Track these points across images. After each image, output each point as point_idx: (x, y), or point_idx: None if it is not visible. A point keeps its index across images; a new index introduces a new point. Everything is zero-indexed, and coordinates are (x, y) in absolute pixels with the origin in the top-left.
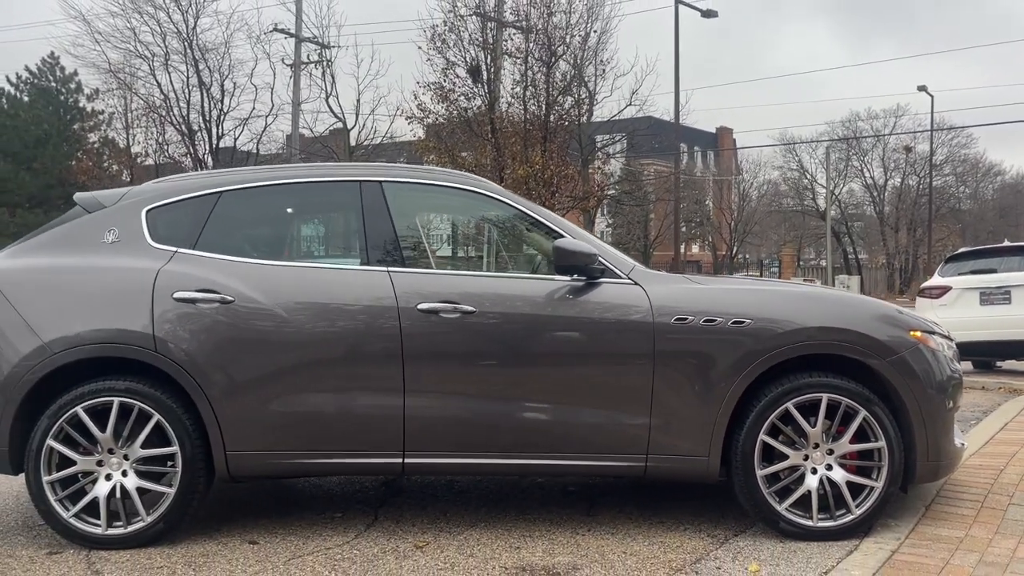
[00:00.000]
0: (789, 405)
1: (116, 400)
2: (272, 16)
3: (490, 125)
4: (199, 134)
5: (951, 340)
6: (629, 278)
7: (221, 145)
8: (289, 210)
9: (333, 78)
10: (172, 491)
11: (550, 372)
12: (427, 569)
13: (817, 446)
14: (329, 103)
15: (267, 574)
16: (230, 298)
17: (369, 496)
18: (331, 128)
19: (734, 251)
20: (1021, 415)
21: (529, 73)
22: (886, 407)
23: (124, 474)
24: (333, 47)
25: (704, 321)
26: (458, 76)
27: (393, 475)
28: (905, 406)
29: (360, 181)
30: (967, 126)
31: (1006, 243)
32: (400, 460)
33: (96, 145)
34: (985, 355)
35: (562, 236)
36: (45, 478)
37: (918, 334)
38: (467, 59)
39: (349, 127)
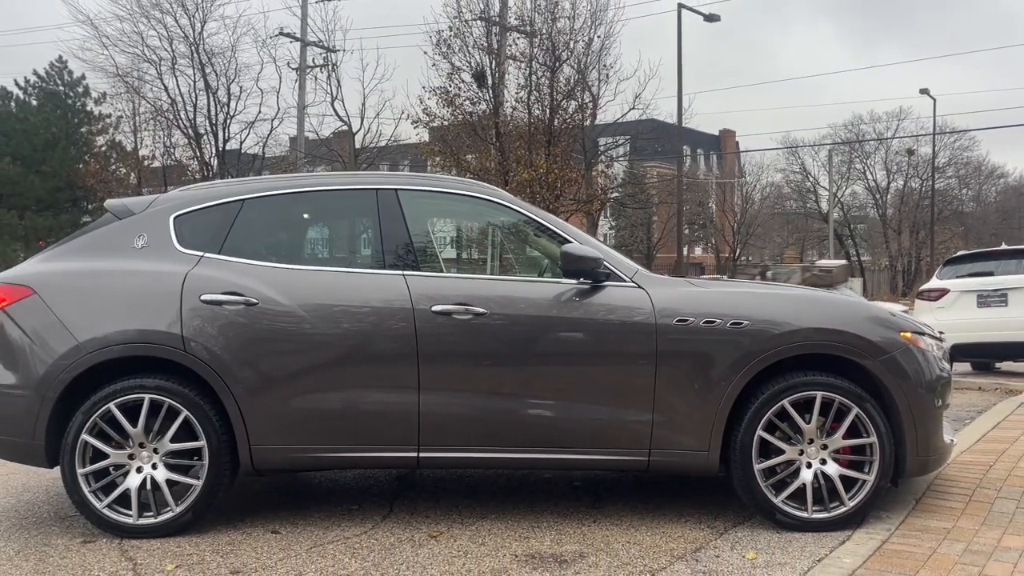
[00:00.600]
0: (785, 402)
1: (147, 397)
2: (278, 20)
3: (495, 129)
4: (205, 137)
5: (941, 341)
6: (632, 281)
7: (227, 148)
8: (309, 217)
9: (339, 82)
10: (199, 483)
11: (557, 371)
12: (442, 556)
13: (812, 441)
14: (335, 107)
15: (291, 561)
16: (254, 300)
17: (383, 490)
18: (334, 131)
19: (737, 253)
20: (1014, 415)
21: (533, 78)
22: (878, 404)
23: (154, 467)
24: (339, 51)
25: (704, 322)
26: (463, 81)
27: (409, 468)
28: (896, 404)
29: (376, 189)
30: (970, 129)
31: (1003, 246)
32: (415, 454)
33: (103, 148)
34: (982, 356)
35: (569, 241)
36: (79, 471)
37: (908, 335)
38: (472, 64)
39: (354, 131)
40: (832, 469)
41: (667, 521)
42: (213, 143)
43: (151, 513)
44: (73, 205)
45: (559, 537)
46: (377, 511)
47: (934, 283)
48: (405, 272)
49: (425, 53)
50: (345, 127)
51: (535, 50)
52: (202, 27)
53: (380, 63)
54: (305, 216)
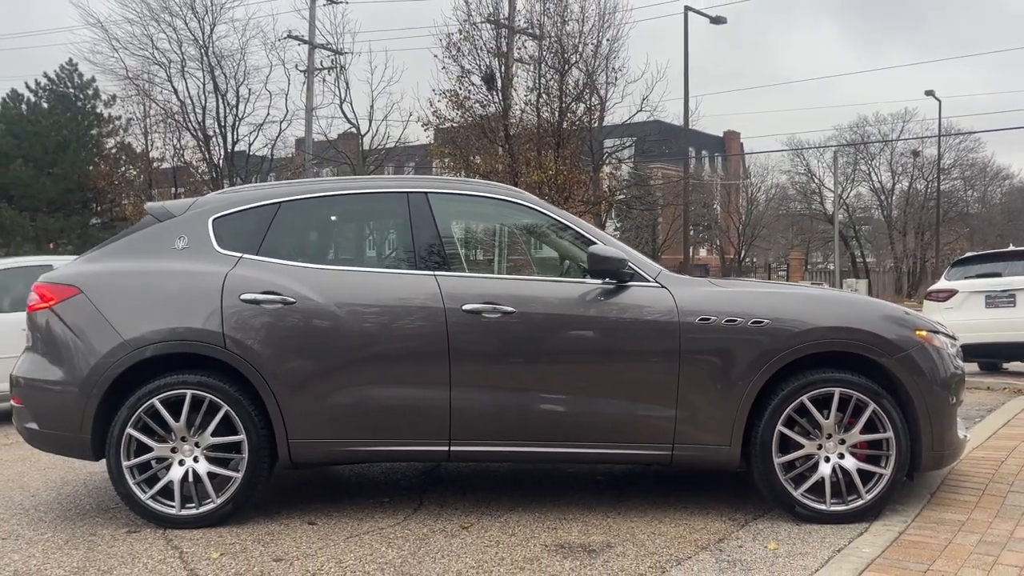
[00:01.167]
0: (804, 398)
1: (189, 393)
2: (287, 23)
3: (504, 131)
4: (214, 139)
5: (955, 339)
6: (656, 281)
7: (235, 150)
8: (343, 219)
9: (347, 84)
10: (239, 476)
11: (583, 368)
12: (475, 546)
13: (830, 436)
14: (343, 109)
15: (330, 550)
16: (291, 299)
17: (412, 484)
18: (340, 133)
19: (742, 255)
20: (1023, 413)
21: (542, 80)
22: (894, 400)
23: (196, 460)
24: (347, 53)
25: (726, 321)
26: (473, 84)
27: (440, 461)
28: (911, 400)
29: (408, 193)
30: (975, 131)
31: (1011, 247)
32: (446, 447)
33: (113, 151)
34: (991, 357)
35: (594, 243)
36: (125, 463)
37: (923, 333)
38: (481, 67)
39: (362, 133)
40: (850, 463)
41: (689, 514)
42: (222, 145)
43: (193, 504)
44: (83, 207)
45: (586, 528)
46: (408, 504)
47: (942, 284)
48: (436, 272)
49: (435, 56)
50: (352, 129)
51: (544, 53)
52: (211, 30)
53: (388, 65)
54: (339, 218)
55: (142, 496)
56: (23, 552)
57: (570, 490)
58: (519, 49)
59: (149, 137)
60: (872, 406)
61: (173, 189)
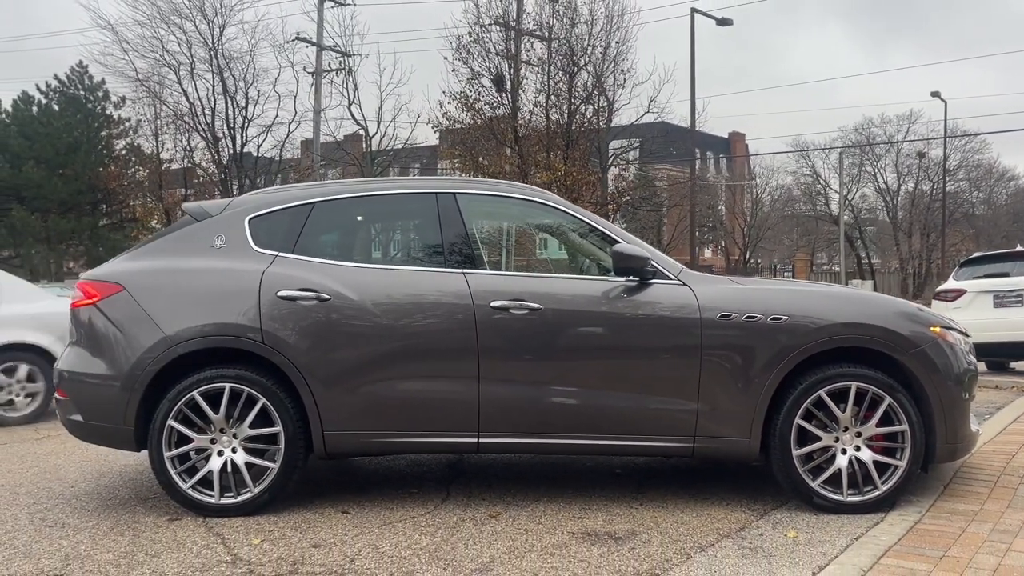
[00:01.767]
0: (822, 392)
1: (228, 386)
2: (296, 25)
3: (513, 133)
4: (223, 141)
5: (968, 336)
6: (678, 279)
7: (244, 151)
8: (375, 219)
9: (356, 86)
10: (276, 466)
11: (607, 362)
12: (504, 534)
13: (847, 429)
14: (351, 110)
15: (366, 537)
16: (326, 296)
17: (438, 475)
18: (348, 135)
19: (747, 256)
20: None
21: (551, 82)
22: (909, 395)
23: (234, 451)
24: (355, 55)
25: (746, 318)
26: (483, 86)
27: (470, 452)
28: (926, 394)
29: (437, 193)
30: (981, 133)
31: (1019, 248)
32: (475, 439)
33: (123, 152)
34: (999, 356)
35: (618, 241)
36: (166, 454)
37: (938, 330)
38: (491, 69)
39: (371, 134)
40: (866, 455)
41: (709, 504)
42: (231, 146)
43: (231, 493)
44: (94, 208)
45: (610, 517)
46: (436, 494)
47: (951, 284)
48: (465, 270)
49: (445, 58)
50: (359, 130)
51: (553, 55)
52: (221, 32)
53: (396, 67)
54: (371, 218)
55: (183, 485)
56: (71, 539)
57: (591, 482)
58: (528, 51)
59: (159, 139)
60: (888, 400)
61: (183, 190)
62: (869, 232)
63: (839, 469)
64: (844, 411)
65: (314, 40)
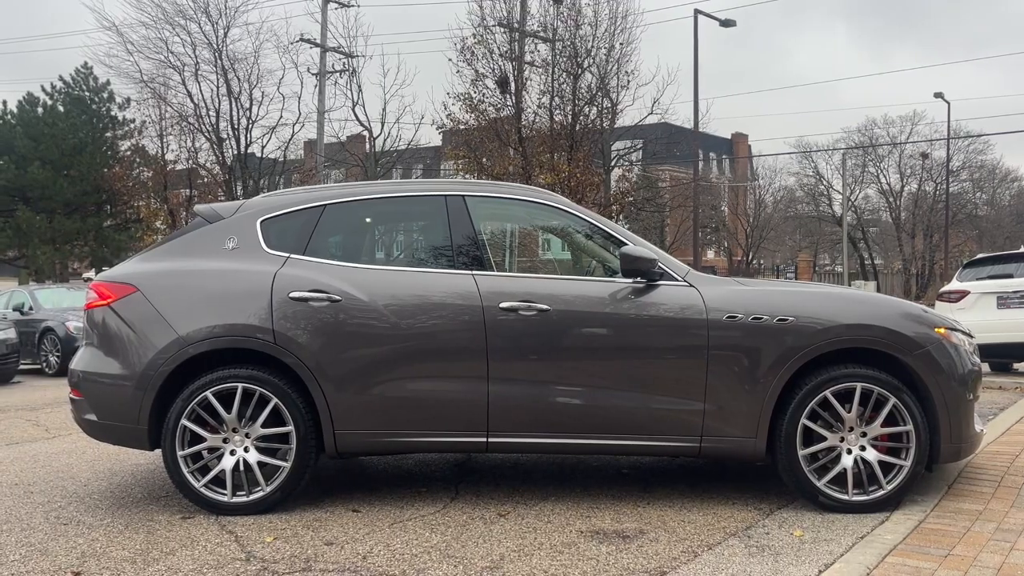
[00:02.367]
0: (827, 393)
1: (240, 386)
2: (300, 27)
3: (517, 134)
4: (227, 142)
5: (972, 337)
6: (685, 280)
7: (248, 152)
8: (385, 221)
9: (359, 87)
10: (288, 465)
11: (614, 362)
12: (514, 532)
13: (852, 429)
14: (355, 112)
15: (377, 535)
16: (337, 297)
17: (446, 475)
18: (350, 135)
19: (750, 257)
20: None
21: (555, 84)
22: (913, 395)
23: (246, 450)
24: (359, 56)
25: (752, 319)
26: (487, 87)
27: (478, 452)
28: (930, 394)
29: (446, 195)
30: (984, 134)
31: (1023, 249)
32: (484, 439)
33: (128, 153)
34: (1002, 357)
35: (625, 243)
36: (179, 453)
37: (942, 331)
38: (495, 71)
39: (375, 135)
40: (871, 455)
41: (715, 503)
42: (235, 147)
43: (243, 492)
44: (99, 209)
45: (618, 516)
46: (445, 493)
47: (954, 285)
48: (474, 272)
49: (449, 60)
50: (363, 131)
51: (557, 56)
52: (225, 34)
53: (400, 69)
54: (381, 220)
55: (196, 484)
56: (86, 536)
57: (598, 482)
58: (531, 53)
59: (164, 140)
60: (893, 400)
61: (187, 191)
62: (872, 233)
63: (844, 469)
64: (849, 411)
65: (318, 41)
